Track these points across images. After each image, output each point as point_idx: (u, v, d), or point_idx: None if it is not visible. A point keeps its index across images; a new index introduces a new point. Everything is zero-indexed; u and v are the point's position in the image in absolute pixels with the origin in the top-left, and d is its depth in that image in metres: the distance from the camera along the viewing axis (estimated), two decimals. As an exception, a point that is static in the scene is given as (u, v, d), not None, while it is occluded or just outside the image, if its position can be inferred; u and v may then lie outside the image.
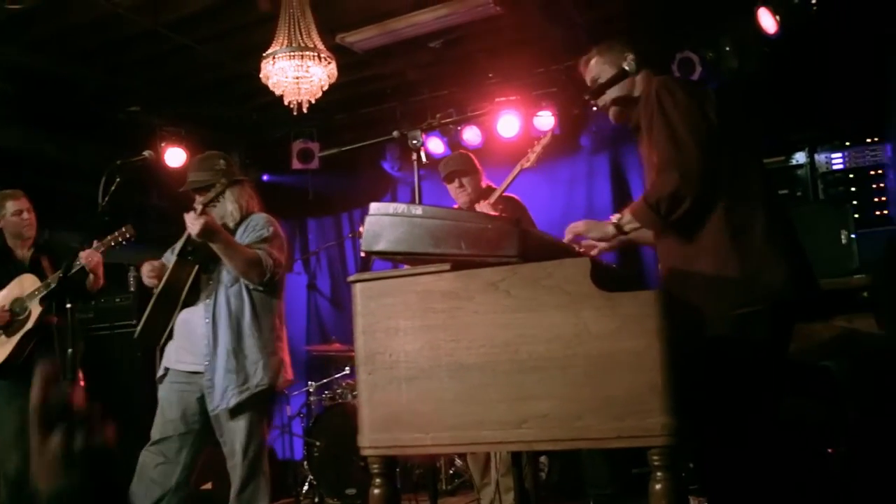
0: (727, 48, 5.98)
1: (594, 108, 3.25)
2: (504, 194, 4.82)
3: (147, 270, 4.28)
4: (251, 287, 4.21)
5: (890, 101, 5.78)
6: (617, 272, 3.11)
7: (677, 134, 2.75)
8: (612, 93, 3.14)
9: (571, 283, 2.33)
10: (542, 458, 5.51)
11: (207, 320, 4.20)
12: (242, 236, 4.29)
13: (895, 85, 5.59)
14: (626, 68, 3.10)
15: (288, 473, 6.86)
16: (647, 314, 2.25)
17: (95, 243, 4.87)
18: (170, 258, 4.33)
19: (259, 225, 4.31)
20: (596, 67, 3.25)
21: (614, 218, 2.96)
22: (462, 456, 6.19)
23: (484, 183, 5.09)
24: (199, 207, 4.02)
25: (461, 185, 5.01)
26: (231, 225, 4.33)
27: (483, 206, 4.67)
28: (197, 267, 4.25)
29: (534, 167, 4.68)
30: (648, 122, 2.87)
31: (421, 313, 2.47)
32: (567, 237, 3.00)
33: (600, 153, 7.39)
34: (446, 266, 2.44)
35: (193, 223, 4.00)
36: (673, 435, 2.20)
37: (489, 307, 2.40)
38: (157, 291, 4.25)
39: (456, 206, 5.21)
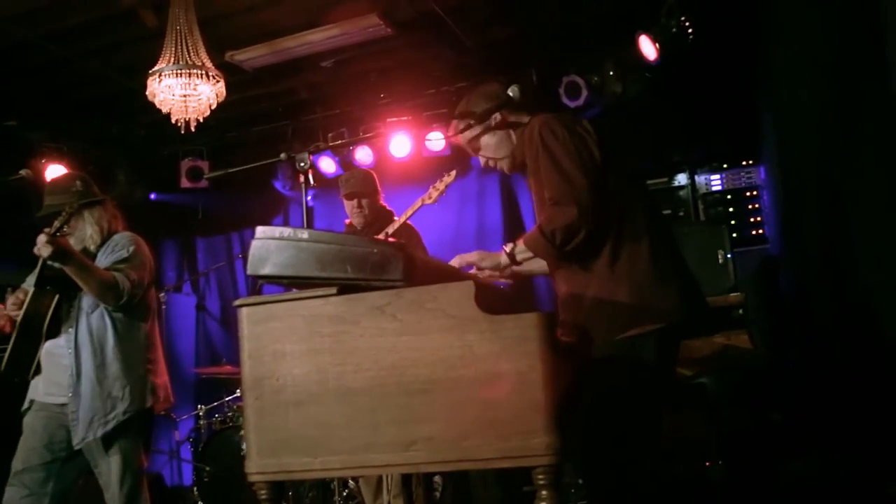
0: (611, 73, 6.18)
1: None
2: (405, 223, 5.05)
3: (10, 302, 4.09)
4: (111, 310, 4.06)
5: (761, 126, 6.05)
6: (503, 293, 3.15)
7: (565, 169, 2.83)
8: (490, 148, 3.20)
9: (455, 307, 2.37)
10: (437, 478, 5.54)
11: (70, 350, 4.03)
12: (102, 258, 4.13)
13: (765, 112, 5.86)
14: (493, 122, 3.15)
15: (178, 500, 6.71)
16: (529, 336, 2.30)
17: None
18: (31, 284, 4.13)
19: (119, 245, 4.17)
20: (470, 135, 3.22)
21: (507, 248, 3.03)
22: (355, 477, 6.18)
23: (381, 203, 5.25)
24: (48, 231, 3.87)
25: (359, 206, 5.15)
26: (92, 248, 4.17)
27: (383, 236, 4.86)
28: (57, 296, 4.07)
29: (434, 203, 4.84)
30: (534, 161, 2.94)
31: (308, 337, 2.47)
32: (456, 264, 3.04)
33: (490, 174, 7.44)
34: (333, 290, 2.44)
35: (43, 247, 3.83)
36: (556, 454, 2.25)
37: (375, 331, 2.41)
38: (17, 323, 4.06)
39: (348, 223, 5.30)
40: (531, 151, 2.95)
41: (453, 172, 4.84)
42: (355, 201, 5.13)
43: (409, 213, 4.88)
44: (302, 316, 2.47)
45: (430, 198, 4.82)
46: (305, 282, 2.44)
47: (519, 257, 3.01)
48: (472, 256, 3.07)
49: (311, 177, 3.09)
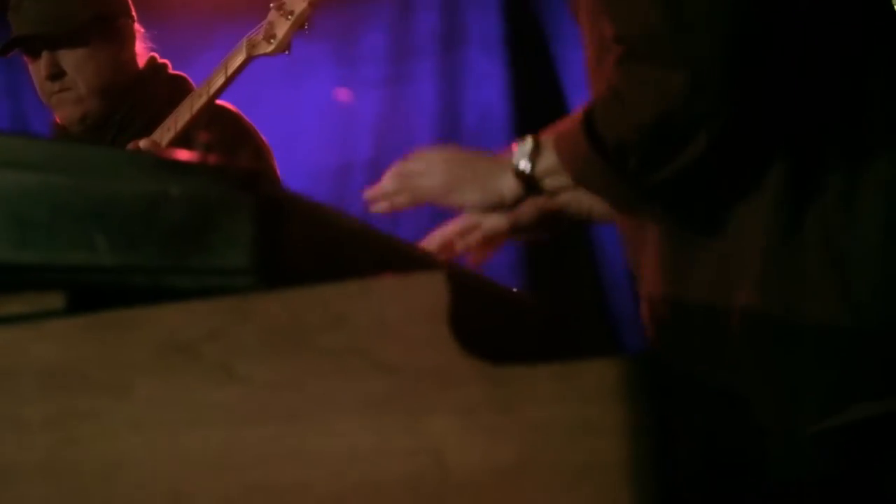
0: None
1: None
2: (216, 106, 2.21)
3: None
4: None
5: None
6: (523, 303, 1.53)
7: None
8: None
9: (398, 342, 0.89)
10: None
11: None
12: None
13: None
14: None
15: None
16: (607, 425, 0.83)
17: None
18: None
19: None
20: None
21: (517, 157, 1.38)
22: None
23: (144, 52, 2.44)
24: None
25: (55, 72, 2.29)
26: None
27: (146, 143, 2.13)
28: None
29: (284, 51, 2.02)
30: None
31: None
32: (380, 199, 1.50)
33: None
34: (55, 299, 0.90)
35: None
36: None
37: (177, 411, 0.90)
38: None
39: (57, 124, 2.46)
40: None
41: None
42: (45, 56, 2.32)
43: (220, 81, 2.13)
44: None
45: (270, 36, 2.00)
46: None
47: (546, 184, 1.40)
48: (429, 179, 1.45)
49: None
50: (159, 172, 0.90)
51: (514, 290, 1.41)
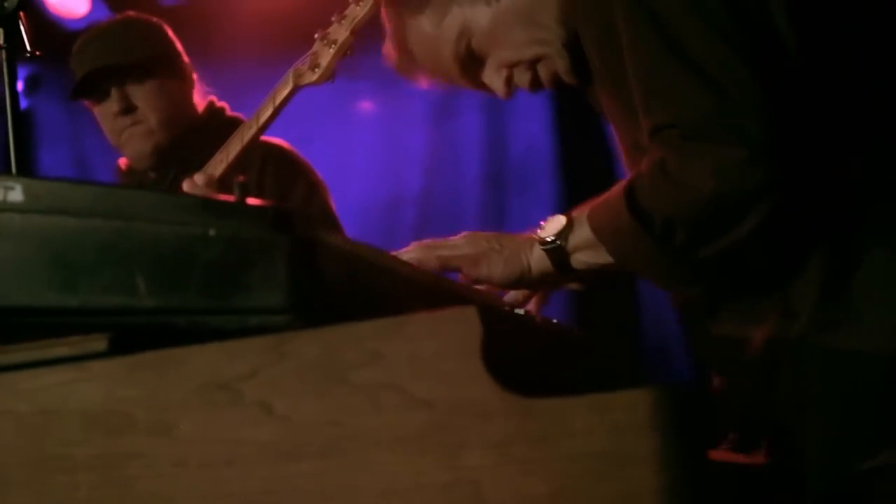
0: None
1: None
2: (262, 141, 2.25)
3: None
4: None
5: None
6: (557, 333, 1.48)
7: (706, 58, 1.24)
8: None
9: (433, 378, 0.90)
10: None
11: None
12: None
13: None
14: None
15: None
16: (639, 456, 0.82)
17: None
18: None
19: None
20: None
21: (546, 230, 1.38)
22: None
23: (202, 97, 2.53)
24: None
25: (125, 106, 2.39)
26: None
27: (201, 177, 2.15)
28: None
29: (329, 80, 2.03)
30: (607, 47, 1.35)
31: (33, 470, 0.94)
32: (413, 253, 1.45)
33: None
34: (98, 341, 0.93)
35: None
36: None
37: (218, 449, 0.92)
38: None
39: (123, 164, 2.58)
40: (597, 15, 1.35)
41: None
42: (115, 95, 2.40)
43: (268, 113, 2.11)
44: (15, 415, 0.94)
45: (315, 66, 2.02)
46: (20, 322, 0.93)
47: (577, 260, 1.38)
48: (455, 249, 1.44)
49: (24, 30, 1.41)
50: (198, 214, 0.93)
51: (549, 319, 1.40)
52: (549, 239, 1.37)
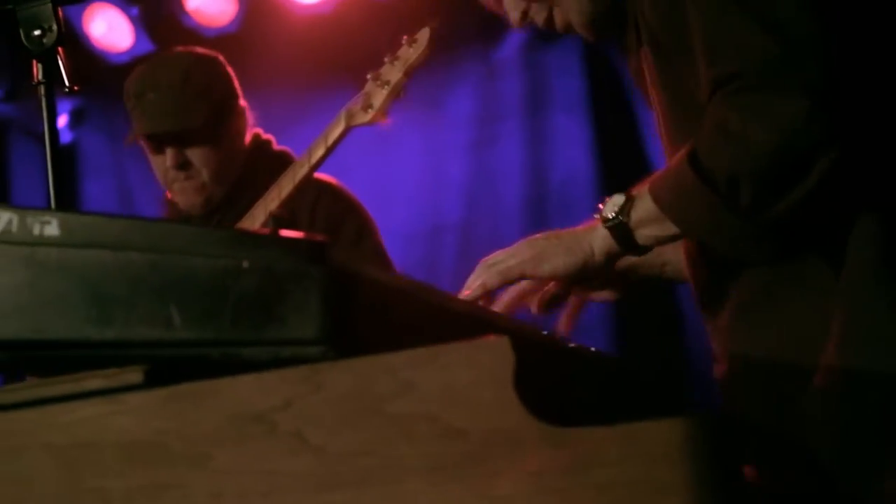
0: None
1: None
2: (314, 178, 2.26)
3: None
4: None
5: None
6: (591, 359, 1.48)
7: (774, 8, 1.24)
8: None
9: (466, 408, 0.89)
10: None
11: None
12: None
13: None
14: None
15: None
16: (672, 484, 0.81)
17: None
18: None
19: None
20: None
21: (606, 211, 1.36)
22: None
23: (250, 133, 2.53)
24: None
25: (181, 162, 2.40)
26: None
27: (257, 215, 2.15)
28: None
29: (381, 121, 2.06)
30: (667, 12, 1.33)
31: (72, 499, 0.95)
32: (473, 287, 1.46)
33: (544, 43, 3.92)
34: (134, 373, 0.94)
35: None
36: None
37: (254, 480, 0.92)
38: None
39: (169, 198, 2.57)
40: None
41: (426, 31, 2.00)
42: (173, 148, 2.42)
43: (321, 152, 2.14)
44: (52, 448, 0.95)
45: (367, 106, 2.05)
46: (56, 355, 0.94)
47: (641, 235, 1.35)
48: (515, 256, 1.42)
49: (63, 66, 1.44)
50: (231, 246, 0.94)
51: (584, 346, 1.39)
52: (610, 216, 1.34)
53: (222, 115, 2.43)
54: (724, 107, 1.27)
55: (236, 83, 2.53)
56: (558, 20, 1.49)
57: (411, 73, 2.00)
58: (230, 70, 2.53)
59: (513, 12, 1.51)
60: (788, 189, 1.24)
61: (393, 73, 2.00)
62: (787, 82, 1.23)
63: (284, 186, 2.16)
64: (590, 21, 1.47)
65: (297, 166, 2.18)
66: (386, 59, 2.00)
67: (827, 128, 1.22)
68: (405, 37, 1.98)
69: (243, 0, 3.82)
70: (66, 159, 4.17)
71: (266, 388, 0.93)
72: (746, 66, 1.26)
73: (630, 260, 1.46)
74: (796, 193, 1.24)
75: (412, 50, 1.96)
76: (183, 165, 2.40)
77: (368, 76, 2.04)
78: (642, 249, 1.38)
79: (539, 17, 1.50)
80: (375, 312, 0.98)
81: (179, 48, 2.59)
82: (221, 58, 2.55)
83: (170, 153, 2.40)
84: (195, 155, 2.40)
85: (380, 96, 2.02)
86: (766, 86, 1.24)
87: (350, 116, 2.07)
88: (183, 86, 2.40)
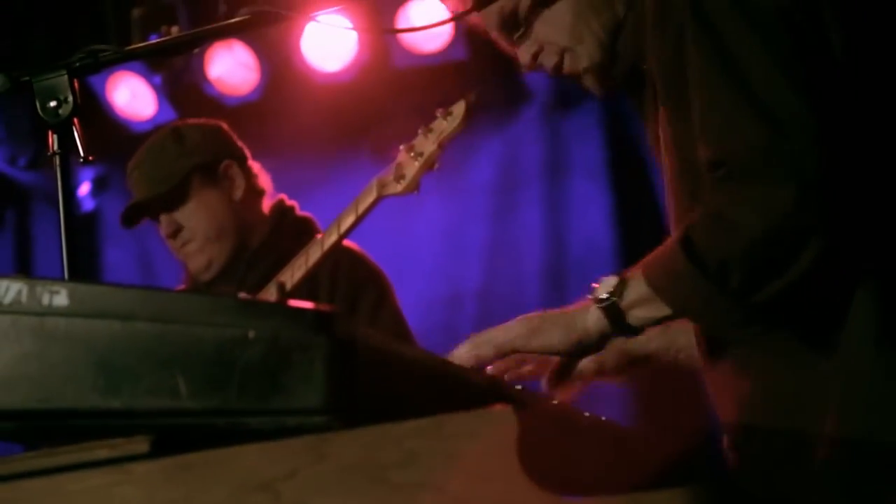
0: None
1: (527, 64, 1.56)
2: (343, 248, 2.31)
3: None
4: None
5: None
6: (597, 426, 1.45)
7: (759, 81, 1.26)
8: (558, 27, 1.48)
9: (470, 477, 0.90)
10: None
11: None
12: None
13: None
14: None
15: None
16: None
17: None
18: None
19: None
20: None
21: (601, 289, 1.37)
22: None
23: (274, 199, 2.58)
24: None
25: (173, 230, 2.46)
26: None
27: (284, 281, 2.14)
28: None
29: (414, 191, 2.08)
30: (672, 60, 1.35)
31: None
32: (467, 355, 1.44)
33: (564, 103, 4.01)
34: (140, 443, 0.94)
35: None
36: None
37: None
38: None
39: (188, 275, 2.59)
40: (664, 35, 1.37)
41: (462, 104, 1.99)
42: (163, 221, 2.47)
43: (351, 220, 2.14)
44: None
45: (400, 177, 2.06)
46: (63, 424, 0.95)
47: (633, 316, 1.37)
48: (508, 332, 1.43)
49: (78, 137, 1.46)
50: (237, 316, 0.94)
51: (592, 414, 1.38)
52: (603, 296, 1.36)
53: (207, 170, 2.46)
54: (715, 192, 1.31)
55: (237, 143, 2.57)
56: (568, 66, 1.51)
57: (445, 145, 2.00)
58: (226, 132, 2.56)
59: (524, 55, 1.53)
60: (778, 274, 1.26)
61: (427, 144, 2.01)
62: (774, 172, 1.26)
63: (312, 253, 2.16)
64: (599, 72, 1.50)
65: (327, 234, 2.19)
66: (420, 131, 2.01)
67: (816, 213, 1.24)
68: (440, 109, 1.99)
69: (265, 68, 3.86)
70: (88, 227, 4.24)
71: (271, 458, 0.93)
72: (735, 155, 1.28)
73: (645, 350, 1.47)
74: (786, 278, 1.25)
75: (447, 123, 1.97)
76: (175, 232, 2.44)
77: (401, 147, 2.06)
78: (634, 330, 1.39)
79: (549, 61, 1.52)
80: (381, 382, 0.98)
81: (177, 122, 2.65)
82: (215, 123, 2.60)
83: (163, 222, 2.46)
84: (184, 217, 2.44)
85: (412, 168, 2.04)
86: (752, 174, 1.27)
87: (382, 186, 2.09)
88: (160, 154, 2.46)
